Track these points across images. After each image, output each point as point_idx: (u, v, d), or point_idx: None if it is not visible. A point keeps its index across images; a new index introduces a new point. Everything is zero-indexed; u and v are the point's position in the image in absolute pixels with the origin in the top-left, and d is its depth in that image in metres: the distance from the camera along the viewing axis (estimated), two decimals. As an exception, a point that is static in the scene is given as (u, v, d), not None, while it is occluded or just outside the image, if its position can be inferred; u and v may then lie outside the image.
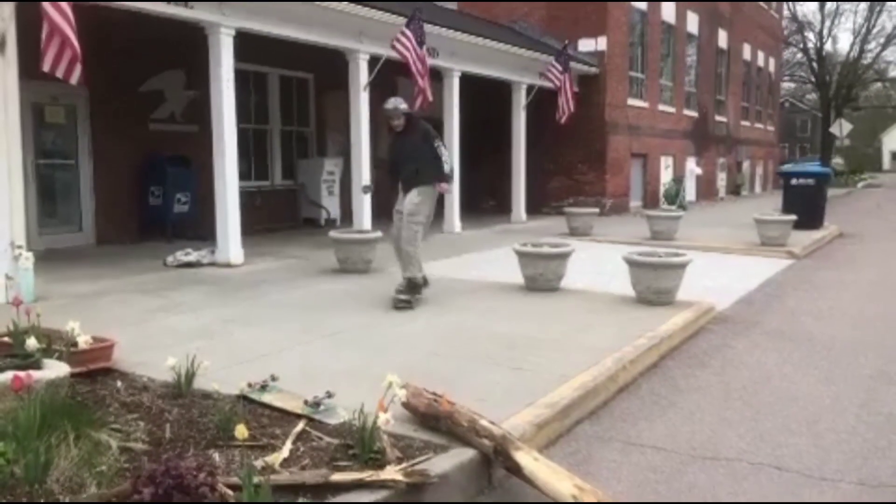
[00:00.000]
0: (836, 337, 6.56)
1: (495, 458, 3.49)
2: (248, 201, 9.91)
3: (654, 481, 3.64)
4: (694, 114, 23.81)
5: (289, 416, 3.90)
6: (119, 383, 4.32)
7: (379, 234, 9.01)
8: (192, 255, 8.88)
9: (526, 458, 3.36)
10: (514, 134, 15.96)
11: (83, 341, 4.42)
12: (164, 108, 11.65)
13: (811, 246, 12.66)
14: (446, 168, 6.79)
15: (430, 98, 10.86)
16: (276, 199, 13.56)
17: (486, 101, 16.43)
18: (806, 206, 14.17)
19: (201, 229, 10.55)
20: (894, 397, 4.91)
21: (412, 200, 6.80)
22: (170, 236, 10.88)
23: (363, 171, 11.34)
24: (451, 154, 13.42)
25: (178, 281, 8.04)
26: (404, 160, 6.88)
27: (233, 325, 6.05)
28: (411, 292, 6.81)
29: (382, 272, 8.75)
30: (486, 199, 17.58)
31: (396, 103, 6.89)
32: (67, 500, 2.48)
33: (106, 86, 10.35)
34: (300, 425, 3.75)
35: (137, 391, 4.23)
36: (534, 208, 16.77)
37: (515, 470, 3.39)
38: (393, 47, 10.37)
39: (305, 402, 3.98)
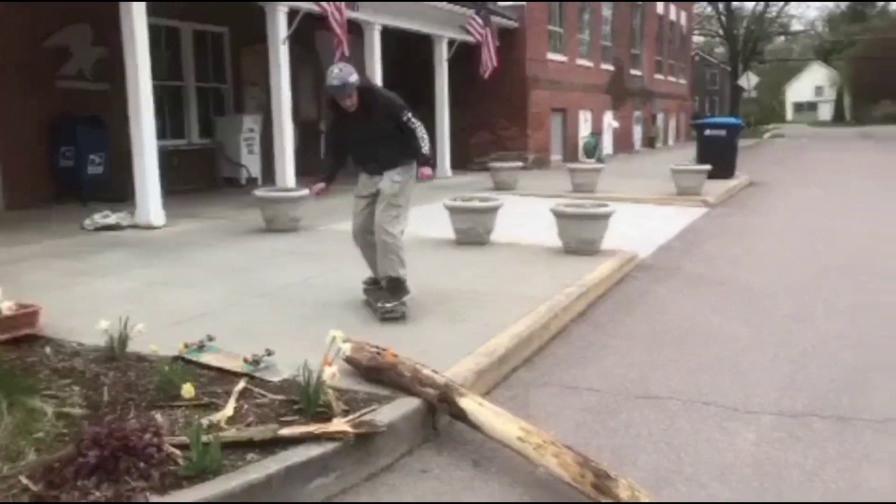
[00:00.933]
0: (752, 280, 6.89)
1: (440, 406, 3.56)
2: (165, 161, 9.56)
3: (592, 421, 3.80)
4: (610, 68, 24.18)
5: (228, 376, 3.86)
6: (48, 349, 4.19)
7: (306, 191, 8.87)
8: (112, 218, 8.57)
9: (471, 404, 3.45)
10: (437, 89, 15.88)
11: (6, 308, 4.25)
12: (70, 65, 11.06)
13: (724, 194, 13.16)
14: (425, 148, 5.12)
15: (347, 52, 10.65)
16: (193, 158, 13.14)
17: (407, 56, 16.25)
18: (719, 157, 14.68)
19: (117, 191, 10.16)
20: (808, 335, 5.22)
21: (393, 179, 5.15)
22: (85, 199, 10.44)
23: (285, 130, 11.11)
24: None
25: (98, 244, 7.75)
26: (365, 145, 5.22)
27: (161, 288, 5.90)
28: (396, 296, 5.05)
29: (311, 230, 8.65)
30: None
31: (344, 77, 4.86)
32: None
33: (5, 40, 9.76)
34: (241, 383, 3.72)
35: (68, 357, 4.10)
36: (458, 164, 16.81)
37: (461, 416, 3.47)
38: (312, -1, 10.12)
39: (245, 361, 3.94)
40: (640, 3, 26.98)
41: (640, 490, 2.79)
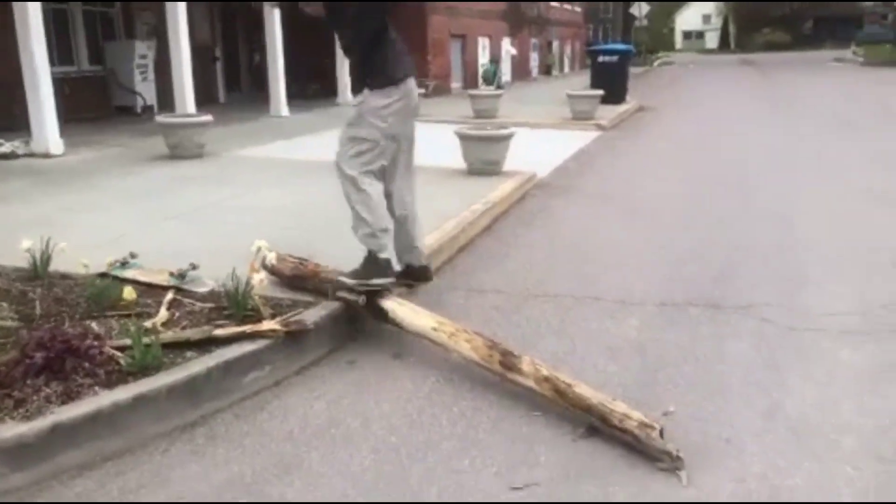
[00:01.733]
0: (639, 195, 7.48)
1: (361, 308, 3.88)
2: (56, 89, 9.22)
3: (497, 316, 4.22)
4: (508, -6, 24.34)
5: (156, 289, 4.03)
6: (-33, 272, 4.23)
7: (209, 117, 8.84)
8: (6, 146, 8.31)
9: (390, 304, 3.79)
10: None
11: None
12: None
13: (616, 118, 13.80)
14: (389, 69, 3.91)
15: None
16: (84, 86, 12.63)
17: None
18: (611, 83, 15.28)
19: (6, 119, 9.77)
20: (687, 240, 5.80)
21: (352, 104, 4.04)
22: (-31, 129, 9.98)
23: (183, 55, 10.86)
24: (272, 41, 13.11)
25: (-6, 173, 7.56)
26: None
27: (73, 213, 5.90)
28: (363, 274, 3.78)
29: (217, 156, 8.66)
30: (310, 84, 17.29)
31: None
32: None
33: None
34: (170, 294, 3.92)
35: (-10, 277, 4.17)
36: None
37: (383, 316, 3.80)
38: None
39: (171, 274, 4.13)
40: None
41: (540, 364, 3.22)
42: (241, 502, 2.58)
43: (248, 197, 6.56)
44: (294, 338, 3.51)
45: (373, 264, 3.79)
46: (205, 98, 10.50)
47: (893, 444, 2.88)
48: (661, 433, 2.80)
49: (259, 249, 3.84)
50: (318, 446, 2.90)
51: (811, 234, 5.86)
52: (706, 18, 74.56)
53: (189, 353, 3.26)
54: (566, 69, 32.64)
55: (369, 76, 3.87)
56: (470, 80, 20.72)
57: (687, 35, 76.74)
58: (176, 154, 8.54)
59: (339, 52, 15.61)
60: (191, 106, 10.85)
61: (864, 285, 4.64)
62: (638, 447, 2.82)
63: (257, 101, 14.50)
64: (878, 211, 6.59)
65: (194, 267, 4.18)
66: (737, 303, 4.38)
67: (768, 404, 3.21)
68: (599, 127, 12.62)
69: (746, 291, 4.57)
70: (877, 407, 3.16)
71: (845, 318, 4.13)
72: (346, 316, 3.88)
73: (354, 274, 3.82)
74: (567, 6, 32.95)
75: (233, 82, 17.15)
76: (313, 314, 3.73)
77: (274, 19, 13.15)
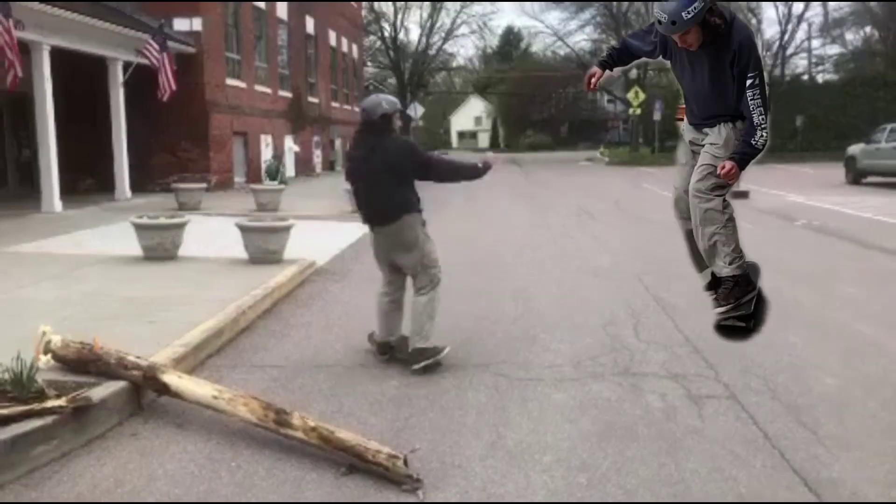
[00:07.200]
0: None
1: (145, 384, 4.25)
2: None
3: (275, 387, 4.75)
4: (289, 95, 25.36)
5: (-70, 379, 4.13)
6: None
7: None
8: None
9: (172, 378, 4.20)
10: (112, 110, 15.69)
11: None
12: None
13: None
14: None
15: (21, 73, 10.42)
16: None
17: (84, 75, 15.81)
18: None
19: None
20: (445, 314, 6.68)
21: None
22: None
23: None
24: (45, 133, 12.91)
25: None
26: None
27: None
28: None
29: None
30: (84, 178, 16.89)
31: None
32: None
33: None
34: (-53, 384, 4.05)
35: None
36: (139, 186, 16.67)
37: (164, 390, 4.20)
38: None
39: (-53, 364, 4.24)
40: (314, 34, 28.60)
41: (308, 417, 3.80)
42: (234, 502, 2.88)
43: (27, 290, 6.59)
44: (80, 413, 3.82)
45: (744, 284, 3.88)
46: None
47: (578, 458, 3.77)
48: (406, 462, 3.49)
49: (44, 333, 4.12)
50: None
51: (543, 305, 7.00)
52: (478, 120, 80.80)
53: (-26, 434, 3.47)
54: (349, 165, 33.97)
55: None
56: (254, 175, 21.19)
57: (462, 135, 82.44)
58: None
59: (116, 146, 15.57)
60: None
61: (578, 343, 5.73)
62: (387, 475, 3.48)
63: (26, 198, 14.00)
64: (595, 284, 7.95)
65: (-28, 356, 4.32)
66: (479, 361, 5.25)
67: (494, 437, 4.01)
68: (376, 219, 13.57)
69: (487, 352, 5.48)
70: (570, 431, 4.08)
71: (560, 368, 5.13)
72: (129, 393, 4.23)
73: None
74: (347, 106, 34.66)
75: (-1, 178, 16.37)
76: (98, 392, 4.05)
77: (46, 112, 12.97)
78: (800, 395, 4.60)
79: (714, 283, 3.99)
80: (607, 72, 4.07)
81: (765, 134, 3.53)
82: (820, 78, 49.07)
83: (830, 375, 4.96)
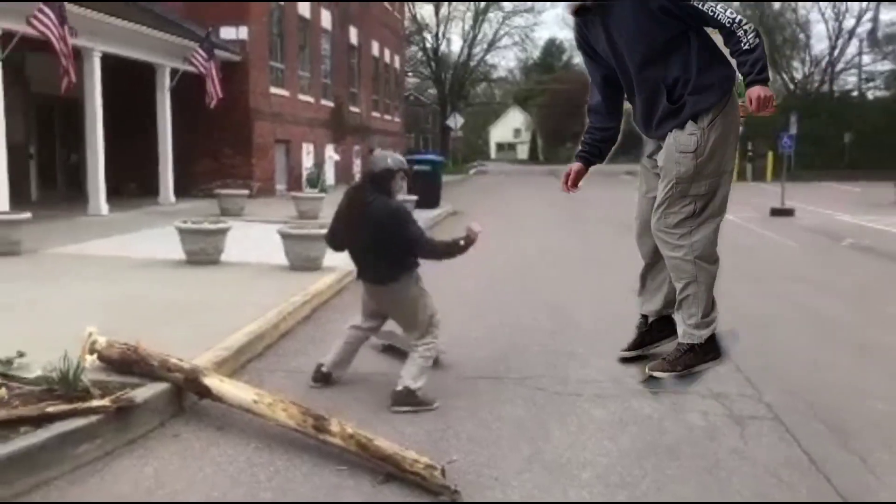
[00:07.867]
0: (441, 286, 8.34)
1: (186, 387, 4.31)
2: None
3: (313, 392, 4.78)
4: (330, 104, 25.62)
5: (-18, 377, 4.24)
6: None
7: (28, 214, 8.86)
8: None
9: (214, 381, 4.25)
10: (158, 116, 16.00)
11: None
12: None
13: (430, 221, 14.94)
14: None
15: (74, 79, 10.69)
16: None
17: (132, 82, 16.18)
18: (425, 189, 16.54)
19: None
20: (481, 327, 6.67)
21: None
22: None
23: (-3, 151, 10.75)
24: (94, 138, 13.23)
25: None
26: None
27: None
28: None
29: (35, 253, 8.65)
30: (127, 183, 17.23)
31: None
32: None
33: None
34: (-4, 381, 4.15)
35: None
36: (182, 191, 16.95)
37: (206, 393, 4.25)
38: (31, 24, 10.03)
39: (-2, 362, 4.35)
40: (357, 45, 28.90)
41: (346, 424, 3.82)
42: (240, 502, 2.92)
43: (71, 287, 6.74)
44: (123, 413, 3.88)
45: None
46: (17, 196, 10.41)
47: (618, 475, 3.72)
48: (443, 473, 3.48)
49: (90, 334, 4.20)
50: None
51: (580, 318, 6.94)
52: (517, 132, 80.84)
53: (24, 429, 3.55)
54: (388, 174, 34.16)
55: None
56: (294, 183, 21.43)
57: (500, 146, 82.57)
58: (-10, 251, 8.45)
59: (162, 151, 15.87)
60: (4, 203, 10.68)
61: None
62: (425, 485, 3.47)
63: (73, 201, 14.34)
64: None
65: (21, 354, 4.43)
66: (517, 375, 5.23)
67: (531, 451, 3.98)
68: (415, 229, 13.62)
69: (525, 366, 5.45)
70: (609, 448, 4.03)
71: (600, 384, 5.07)
72: (171, 395, 4.29)
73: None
74: (388, 116, 34.93)
75: (48, 180, 16.78)
76: (141, 393, 4.12)
77: (95, 116, 13.29)
78: (847, 418, 4.49)
79: (654, 326, 3.52)
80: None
81: (747, 29, 2.93)
82: (870, 94, 48.15)
83: (881, 400, 4.83)
